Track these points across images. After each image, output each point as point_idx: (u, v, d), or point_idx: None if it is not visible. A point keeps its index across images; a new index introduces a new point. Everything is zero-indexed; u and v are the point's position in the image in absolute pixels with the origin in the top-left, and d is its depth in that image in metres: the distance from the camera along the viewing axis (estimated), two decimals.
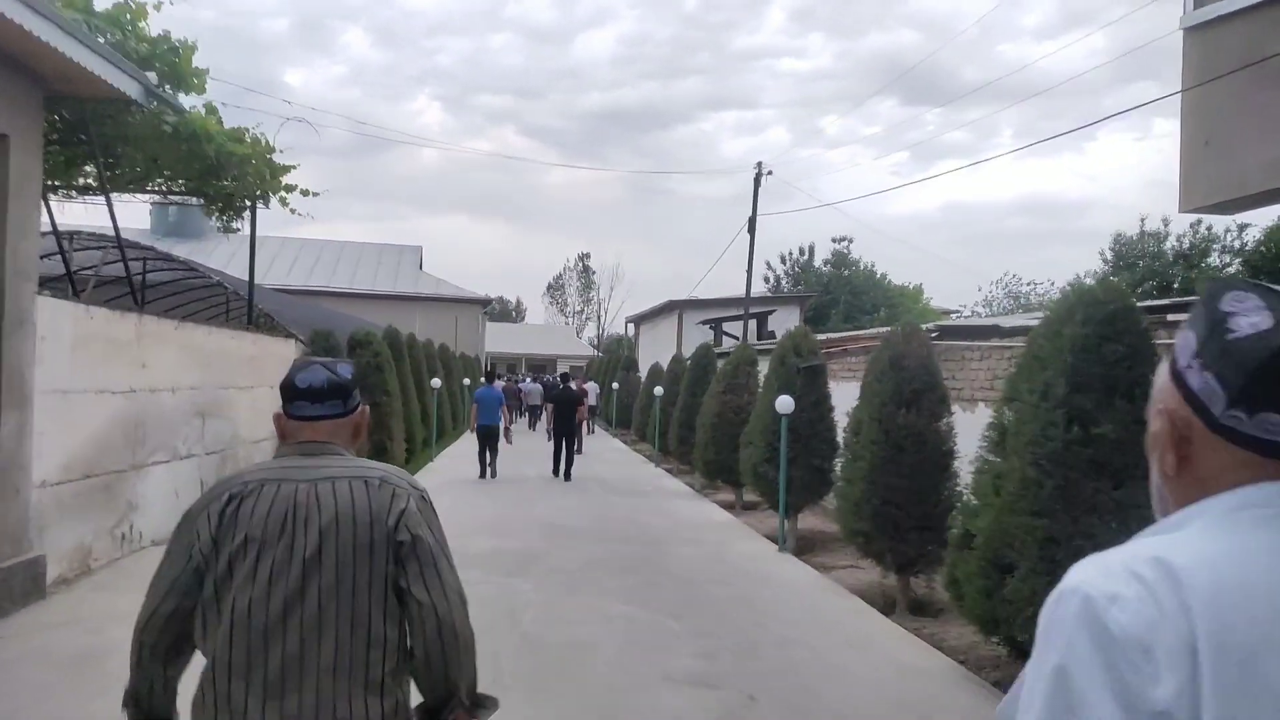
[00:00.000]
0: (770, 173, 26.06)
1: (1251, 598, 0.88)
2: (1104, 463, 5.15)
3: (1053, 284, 47.26)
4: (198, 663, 1.98)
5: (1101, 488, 5.10)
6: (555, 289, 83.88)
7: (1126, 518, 5.00)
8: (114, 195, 11.33)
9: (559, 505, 12.57)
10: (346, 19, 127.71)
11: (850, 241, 46.80)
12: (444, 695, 1.97)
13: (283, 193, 11.18)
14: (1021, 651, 5.27)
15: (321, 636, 1.86)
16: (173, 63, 8.41)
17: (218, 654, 1.87)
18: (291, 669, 1.84)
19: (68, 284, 10.33)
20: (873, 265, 46.20)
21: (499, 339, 57.10)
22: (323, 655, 1.85)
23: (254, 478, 1.97)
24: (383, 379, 13.67)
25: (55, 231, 8.86)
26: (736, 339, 25.84)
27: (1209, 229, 29.75)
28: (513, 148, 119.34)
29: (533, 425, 29.63)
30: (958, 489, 7.52)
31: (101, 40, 7.55)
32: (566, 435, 16.21)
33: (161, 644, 1.94)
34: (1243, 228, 28.98)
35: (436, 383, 18.44)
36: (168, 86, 8.46)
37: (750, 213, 26.22)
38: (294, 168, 11.26)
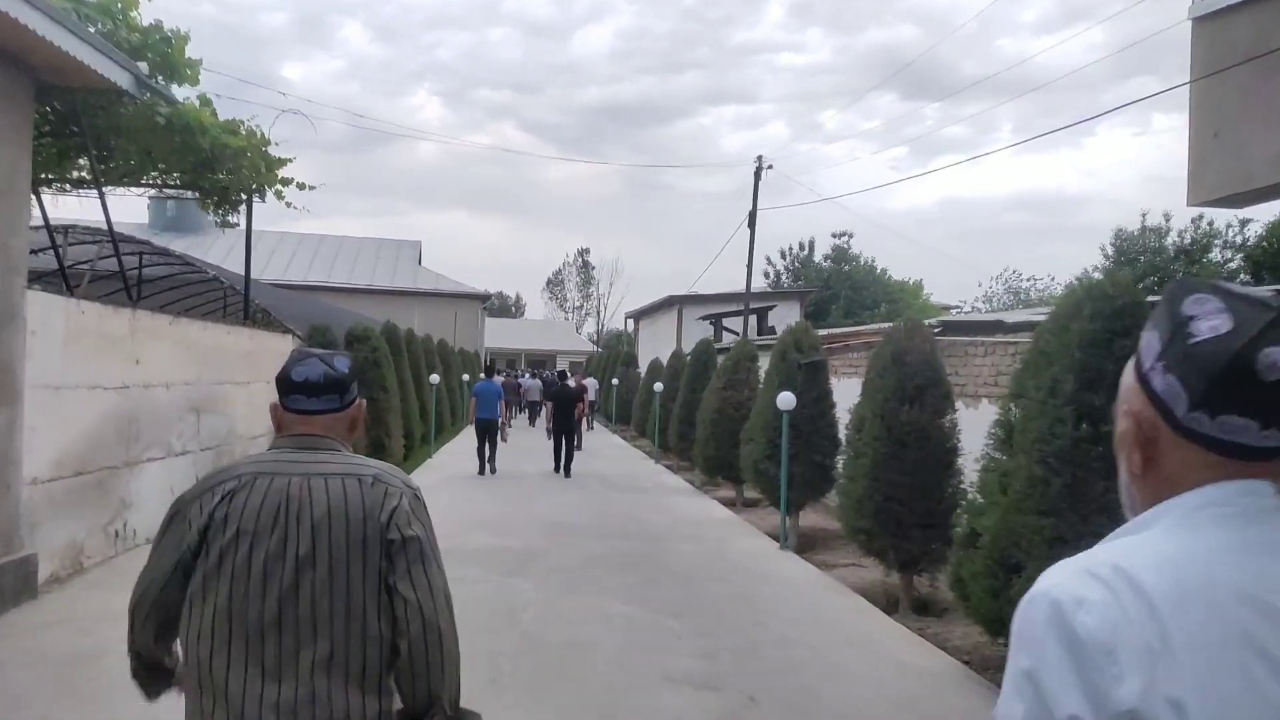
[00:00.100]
0: (770, 166, 25.94)
1: (1212, 595, 0.91)
2: (1114, 461, 5.03)
3: (1053, 279, 47.25)
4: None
5: (1111, 486, 4.98)
6: (555, 284, 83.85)
7: None
8: (108, 189, 11.22)
9: (558, 502, 12.47)
10: (345, 13, 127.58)
11: (850, 237, 46.69)
12: (426, 703, 1.94)
13: (279, 186, 11.08)
14: None
15: (317, 632, 1.85)
16: (165, 53, 8.29)
17: (211, 645, 1.86)
18: (288, 663, 1.84)
19: (61, 279, 10.23)
20: (873, 261, 46.10)
21: (498, 334, 57.00)
22: (318, 650, 1.85)
23: (247, 470, 1.95)
24: (380, 374, 13.56)
25: (48, 225, 8.75)
26: (737, 334, 25.73)
27: (1210, 224, 29.64)
28: (511, 143, 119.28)
29: (532, 421, 29.55)
30: (961, 486, 7.44)
31: (92, 30, 7.44)
32: (566, 432, 16.16)
33: (152, 623, 1.96)
34: (1244, 223, 28.86)
35: (435, 378, 18.33)
36: (160, 77, 8.36)
37: (751, 207, 26.08)
38: (290, 161, 11.16)
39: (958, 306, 46.39)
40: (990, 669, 5.85)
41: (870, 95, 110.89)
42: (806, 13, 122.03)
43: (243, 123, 10.25)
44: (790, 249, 48.22)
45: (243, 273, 13.51)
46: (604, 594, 7.35)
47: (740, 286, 28.63)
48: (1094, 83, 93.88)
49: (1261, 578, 0.93)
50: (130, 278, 15.02)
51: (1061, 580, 0.96)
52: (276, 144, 10.78)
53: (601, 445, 22.28)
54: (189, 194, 12.52)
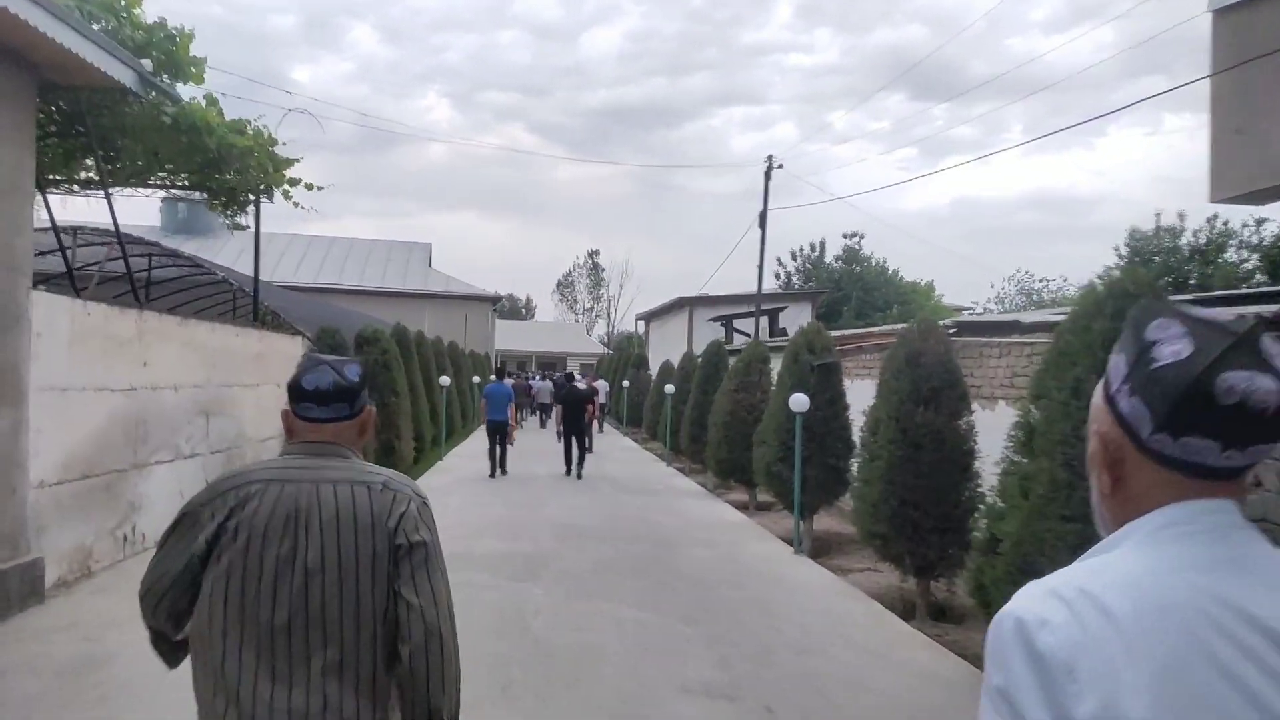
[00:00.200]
0: (781, 166, 25.80)
1: (1173, 613, 0.94)
2: None
3: (1065, 280, 46.94)
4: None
5: None
6: (565, 286, 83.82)
7: None
8: (116, 190, 11.18)
9: (569, 505, 12.37)
10: (354, 15, 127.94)
11: (861, 237, 46.52)
12: (425, 716, 1.93)
13: (286, 186, 11.01)
14: None
15: (326, 637, 1.88)
16: (169, 50, 8.21)
17: (223, 648, 1.88)
18: (298, 668, 1.86)
19: (69, 281, 10.19)
20: (884, 261, 45.91)
21: (509, 336, 56.97)
22: (328, 656, 1.87)
23: (259, 477, 1.98)
24: (390, 377, 13.48)
25: (54, 227, 8.69)
26: (748, 336, 25.59)
27: (1225, 224, 29.35)
28: (520, 145, 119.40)
29: (543, 423, 29.49)
30: (979, 490, 7.31)
31: (96, 27, 7.38)
32: (576, 433, 16.10)
33: (162, 614, 1.99)
34: (1260, 222, 28.56)
35: (445, 380, 18.26)
36: (165, 76, 8.28)
37: (761, 207, 25.95)
38: (297, 161, 11.09)
39: (970, 308, 46.13)
40: None
41: (879, 96, 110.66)
42: (814, 13, 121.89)
43: (249, 122, 10.19)
44: (801, 249, 48.09)
45: (252, 274, 13.48)
46: (615, 599, 7.23)
47: (751, 288, 28.51)
48: (1104, 82, 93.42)
49: (1222, 596, 0.97)
50: (139, 280, 15.00)
51: (1027, 601, 1.00)
52: (284, 143, 10.73)
53: (612, 448, 22.17)
54: (197, 195, 12.49)
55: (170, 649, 2.11)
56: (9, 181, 6.28)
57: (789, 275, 47.98)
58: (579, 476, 15.68)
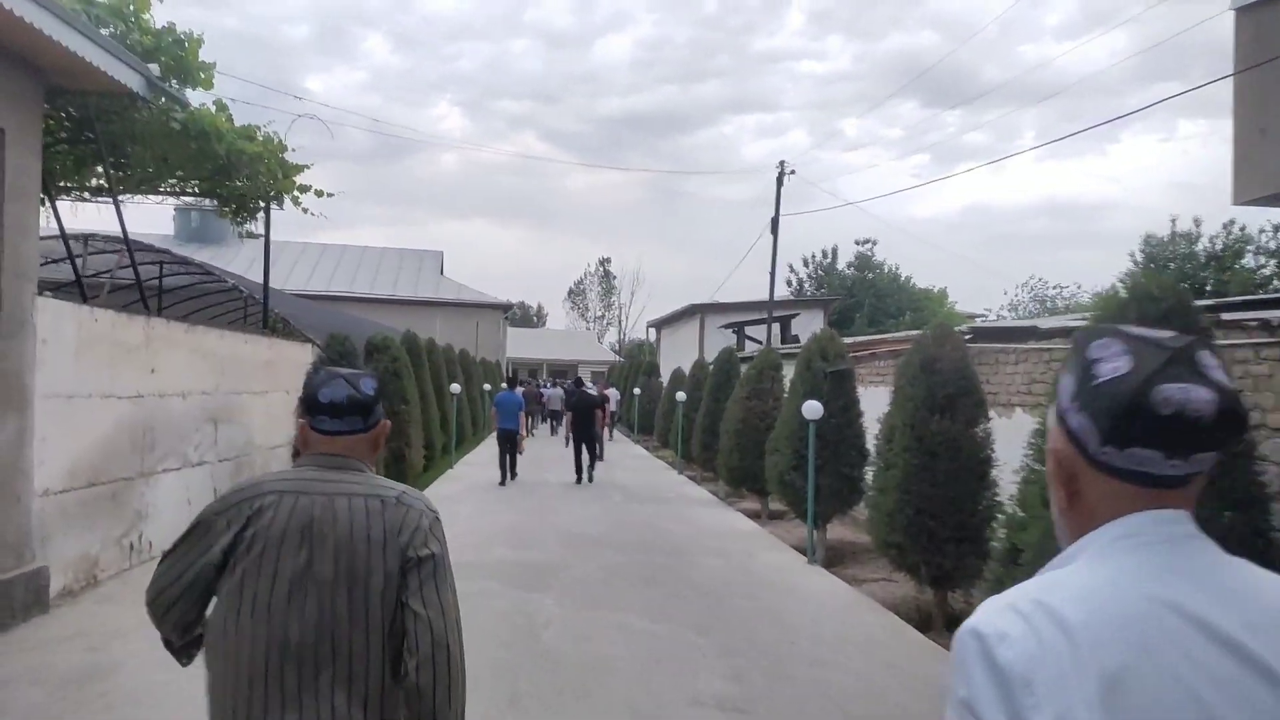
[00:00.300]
0: (793, 172, 25.70)
1: (1123, 623, 0.98)
2: None
3: (1079, 287, 46.61)
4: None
5: None
6: (576, 294, 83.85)
7: None
8: (127, 197, 11.17)
9: (580, 513, 12.26)
10: (367, 25, 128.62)
11: (874, 244, 46.34)
12: None
13: (296, 192, 10.97)
14: None
15: (335, 651, 1.89)
16: (178, 56, 8.16)
17: (236, 661, 1.90)
18: (307, 681, 1.87)
19: (79, 288, 10.16)
20: (897, 268, 45.72)
21: (520, 344, 56.97)
22: (336, 669, 1.88)
23: (274, 488, 2.00)
24: (400, 385, 13.41)
25: (63, 234, 8.65)
26: (759, 343, 25.46)
27: (1242, 229, 29.08)
28: (533, 153, 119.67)
29: (554, 430, 29.41)
30: (996, 499, 7.17)
31: (104, 32, 7.34)
32: (587, 440, 16.12)
33: (170, 621, 2.01)
34: (1278, 228, 28.28)
35: (456, 388, 18.19)
36: (174, 81, 8.23)
37: (773, 213, 25.85)
38: (307, 167, 11.06)
39: (983, 314, 45.86)
40: None
41: (891, 102, 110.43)
42: (826, 20, 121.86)
43: (259, 128, 10.16)
44: (813, 256, 47.93)
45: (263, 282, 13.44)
46: (626, 609, 7.12)
47: (762, 295, 28.38)
48: (1118, 88, 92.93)
49: (1175, 604, 1.00)
50: (151, 287, 15.02)
51: (987, 615, 1.03)
52: (293, 150, 10.70)
53: (623, 455, 22.05)
54: (208, 202, 12.47)
55: (182, 647, 2.12)
56: (14, 186, 6.23)
57: (801, 282, 47.84)
58: (590, 481, 15.70)
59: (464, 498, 13.35)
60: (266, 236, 12.71)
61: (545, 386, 36.68)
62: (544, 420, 30.97)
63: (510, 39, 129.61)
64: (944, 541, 7.08)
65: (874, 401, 10.65)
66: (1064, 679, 0.95)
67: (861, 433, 10.12)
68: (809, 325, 28.22)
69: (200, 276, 15.83)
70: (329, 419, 2.07)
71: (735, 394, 13.93)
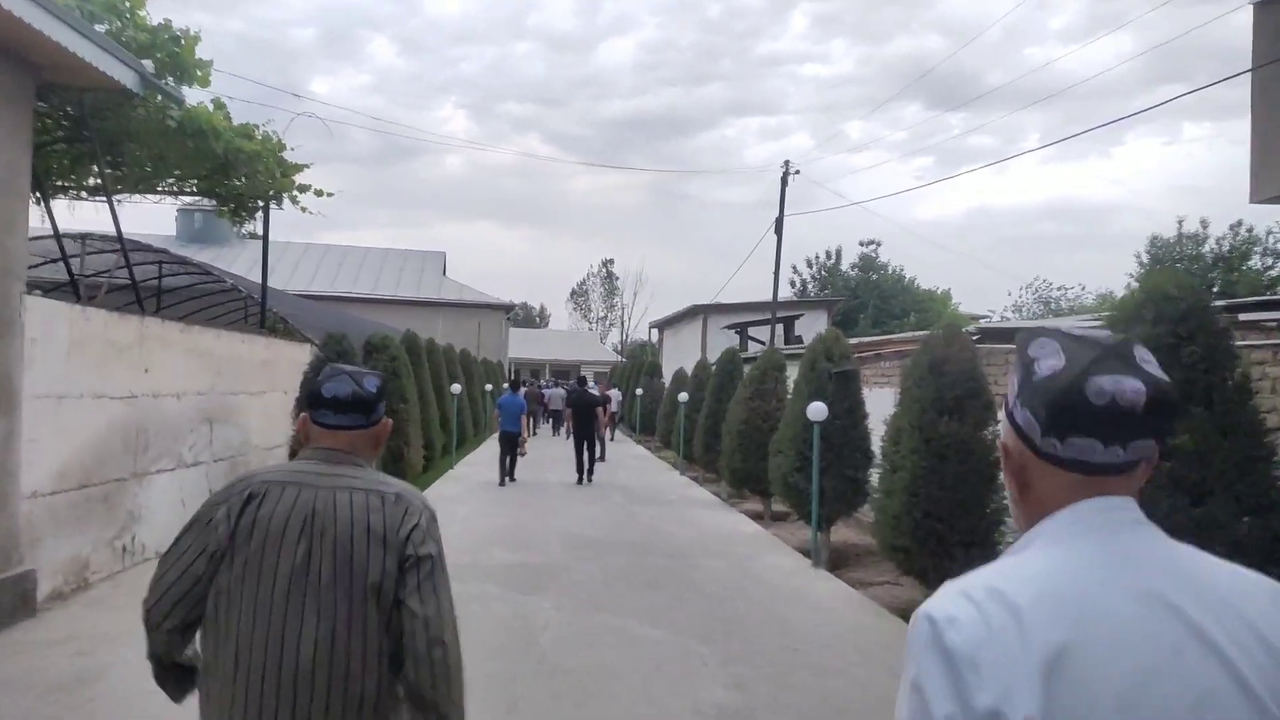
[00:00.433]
0: (798, 172, 25.55)
1: (1066, 603, 1.02)
2: (1181, 477, 4.65)
3: (1083, 288, 46.45)
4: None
5: (1179, 504, 4.58)
6: (579, 295, 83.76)
7: (1208, 539, 4.48)
8: (125, 196, 11.06)
9: (580, 515, 12.11)
10: (372, 28, 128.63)
11: (878, 245, 46.18)
12: None
13: (295, 192, 10.85)
14: None
15: (334, 644, 1.90)
16: (174, 52, 8.03)
17: (235, 654, 1.91)
18: (304, 675, 1.89)
19: (77, 288, 10.04)
20: (901, 269, 45.55)
21: (523, 345, 56.87)
22: (334, 663, 1.90)
23: (274, 479, 2.02)
24: (400, 385, 13.27)
25: (56, 233, 8.52)
26: (762, 344, 25.32)
27: (1250, 230, 28.90)
28: (536, 155, 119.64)
29: (556, 431, 29.31)
30: (1005, 502, 7.02)
31: (100, 28, 7.22)
32: (587, 438, 16.10)
33: (174, 620, 1.98)
34: None
35: (457, 388, 18.05)
36: (170, 78, 8.11)
37: (777, 214, 25.70)
38: (306, 167, 10.95)
39: (986, 316, 45.69)
40: None
41: (896, 106, 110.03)
42: (831, 23, 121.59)
43: (257, 127, 10.04)
44: (817, 257, 47.79)
45: (269, 283, 13.33)
46: (627, 614, 6.97)
47: (765, 295, 28.24)
48: (1123, 92, 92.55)
49: (1119, 584, 1.05)
50: (150, 287, 14.90)
51: (940, 601, 1.08)
52: (293, 149, 10.58)
53: (625, 456, 21.91)
54: (207, 202, 12.35)
55: (174, 681, 2.10)
56: (4, 182, 6.11)
57: (804, 283, 47.71)
58: (589, 481, 15.69)
59: (464, 498, 13.22)
60: (265, 236, 12.60)
61: (547, 387, 36.56)
62: (546, 420, 30.88)
63: (514, 42, 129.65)
64: (952, 545, 6.94)
65: (879, 403, 10.50)
66: (1009, 660, 1.00)
67: (866, 434, 9.97)
68: (812, 326, 28.09)
69: (199, 277, 15.71)
70: (332, 413, 2.09)
71: (738, 395, 13.78)
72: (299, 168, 10.84)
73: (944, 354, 7.44)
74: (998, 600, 1.04)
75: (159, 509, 8.27)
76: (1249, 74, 6.41)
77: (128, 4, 7.70)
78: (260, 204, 11.48)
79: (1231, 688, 1.00)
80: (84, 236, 13.05)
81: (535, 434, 26.81)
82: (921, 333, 10.21)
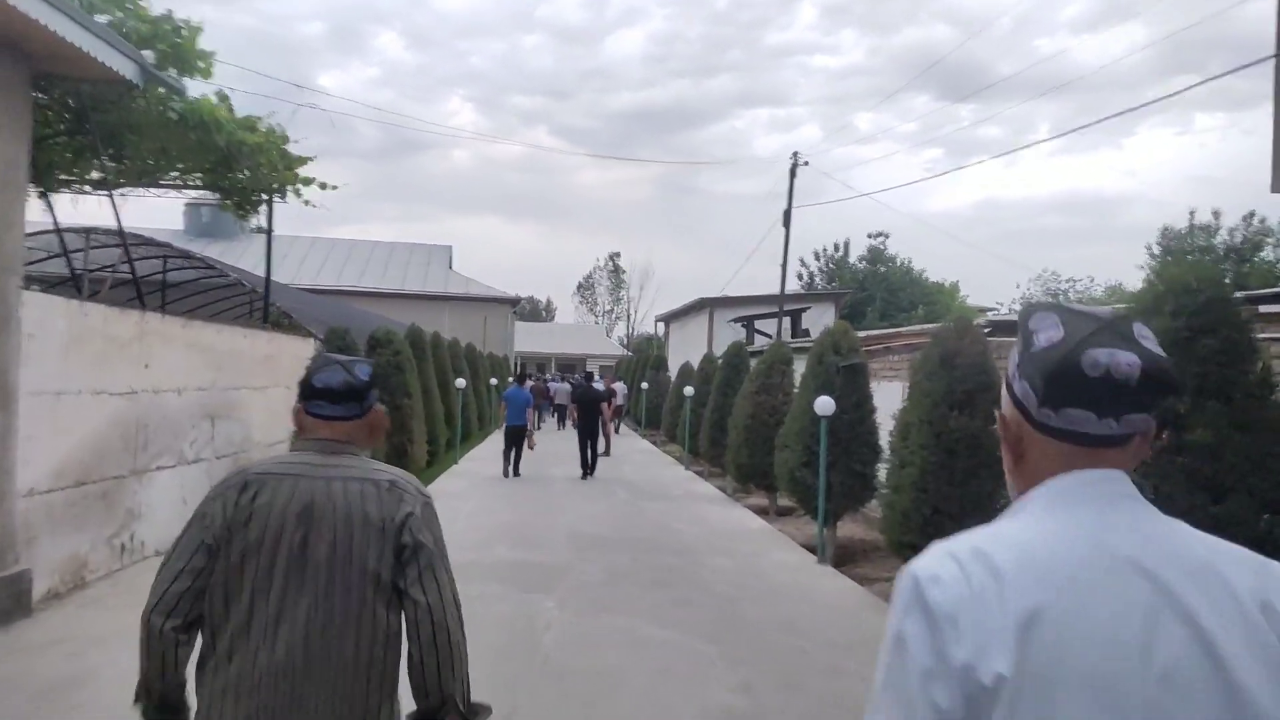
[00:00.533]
0: (806, 163, 25.36)
1: (1047, 566, 1.06)
2: (1200, 472, 4.52)
3: (1092, 280, 46.18)
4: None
5: (1198, 502, 4.46)
6: (585, 288, 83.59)
7: (1229, 537, 4.34)
8: (129, 190, 10.97)
9: (585, 511, 12.01)
10: (380, 22, 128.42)
11: (886, 237, 45.94)
12: (437, 703, 2.02)
13: (299, 185, 10.75)
14: None
15: (330, 631, 1.92)
16: (175, 43, 7.92)
17: (230, 642, 1.92)
18: (298, 661, 1.90)
19: (78, 283, 9.97)
20: (909, 261, 45.31)
21: (528, 339, 56.78)
22: (331, 650, 1.92)
23: (270, 471, 2.03)
24: (404, 380, 13.18)
25: (57, 228, 8.44)
26: (769, 337, 25.17)
27: (1262, 221, 28.65)
28: (543, 148, 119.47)
29: (561, 425, 29.27)
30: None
31: (101, 19, 7.10)
32: (591, 434, 16.14)
33: (171, 624, 1.95)
34: None
35: (461, 383, 17.97)
36: (172, 70, 8.00)
37: (785, 205, 25.52)
38: (310, 159, 10.83)
39: (994, 308, 45.44)
40: None
41: (905, 98, 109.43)
42: (840, 14, 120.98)
43: (260, 119, 9.93)
44: (825, 250, 47.58)
45: (272, 277, 13.24)
46: (632, 614, 6.87)
47: (772, 288, 28.08)
48: (1134, 83, 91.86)
49: (1103, 549, 1.07)
50: (155, 282, 14.84)
51: (926, 560, 1.12)
52: (296, 141, 10.47)
53: (630, 450, 21.80)
54: (210, 195, 12.26)
55: (150, 703, 2.07)
56: (1, 175, 6.01)
57: (812, 276, 47.50)
58: (592, 473, 15.77)
59: (467, 494, 13.13)
60: (269, 230, 12.51)
61: (552, 381, 36.48)
62: (551, 414, 30.83)
63: (522, 35, 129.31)
64: None
65: (887, 397, 10.38)
66: (986, 618, 1.03)
67: (874, 429, 9.83)
68: (820, 319, 27.93)
69: (204, 271, 15.65)
70: (325, 403, 2.10)
71: (744, 389, 13.65)
72: (303, 160, 10.74)
73: (955, 347, 7.31)
74: (982, 561, 1.08)
75: (160, 506, 8.19)
76: (1268, 64, 6.26)
77: None
78: (264, 197, 11.39)
79: (1202, 660, 1.02)
80: (88, 231, 12.98)
81: (540, 428, 26.75)
82: (931, 325, 10.07)
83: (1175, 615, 1.03)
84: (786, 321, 27.77)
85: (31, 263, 13.15)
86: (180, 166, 10.50)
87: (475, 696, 2.12)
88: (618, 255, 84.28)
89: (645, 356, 34.38)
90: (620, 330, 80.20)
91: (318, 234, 41.52)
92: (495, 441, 20.48)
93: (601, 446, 18.16)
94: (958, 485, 6.92)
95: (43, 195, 9.59)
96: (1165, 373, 1.11)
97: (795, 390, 11.50)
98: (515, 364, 36.06)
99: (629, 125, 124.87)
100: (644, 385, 28.08)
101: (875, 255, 45.65)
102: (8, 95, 6.11)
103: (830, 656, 5.98)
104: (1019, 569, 1.05)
